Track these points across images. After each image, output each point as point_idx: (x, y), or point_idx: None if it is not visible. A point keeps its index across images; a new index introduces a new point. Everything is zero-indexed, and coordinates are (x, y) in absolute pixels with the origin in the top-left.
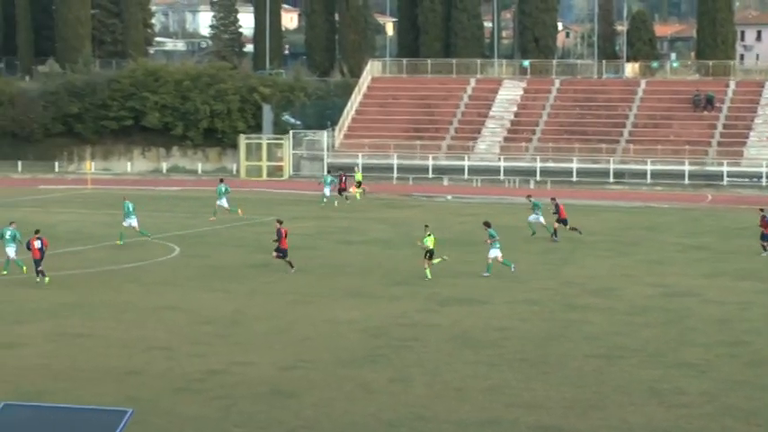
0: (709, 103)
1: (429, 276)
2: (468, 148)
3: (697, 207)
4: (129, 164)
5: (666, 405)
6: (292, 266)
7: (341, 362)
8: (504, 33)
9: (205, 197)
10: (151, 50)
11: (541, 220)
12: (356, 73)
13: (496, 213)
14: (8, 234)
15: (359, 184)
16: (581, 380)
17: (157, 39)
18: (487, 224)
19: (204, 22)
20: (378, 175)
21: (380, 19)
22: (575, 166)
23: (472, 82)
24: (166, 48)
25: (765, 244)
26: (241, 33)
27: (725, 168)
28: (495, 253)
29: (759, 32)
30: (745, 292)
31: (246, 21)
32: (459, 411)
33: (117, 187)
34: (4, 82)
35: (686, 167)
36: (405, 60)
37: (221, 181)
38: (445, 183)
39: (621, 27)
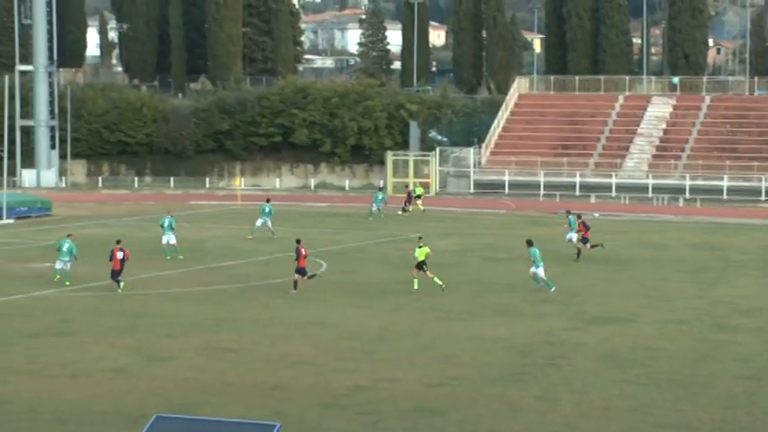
0: None
1: (416, 287)
2: (615, 166)
3: None
4: (277, 180)
5: None
6: (295, 287)
7: (487, 379)
8: (653, 50)
9: (353, 213)
10: (300, 68)
11: (574, 238)
12: (503, 90)
13: (645, 231)
14: (65, 246)
15: (418, 197)
16: (731, 401)
17: (307, 56)
18: (530, 243)
19: (353, 39)
20: (524, 192)
21: (528, 36)
22: (725, 183)
23: (620, 99)
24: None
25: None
26: (389, 50)
27: None
28: (538, 271)
29: None
30: None
31: (394, 38)
32: (605, 431)
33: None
34: (158, 99)
35: None
36: (552, 77)
37: (268, 201)
38: (592, 200)
39: None
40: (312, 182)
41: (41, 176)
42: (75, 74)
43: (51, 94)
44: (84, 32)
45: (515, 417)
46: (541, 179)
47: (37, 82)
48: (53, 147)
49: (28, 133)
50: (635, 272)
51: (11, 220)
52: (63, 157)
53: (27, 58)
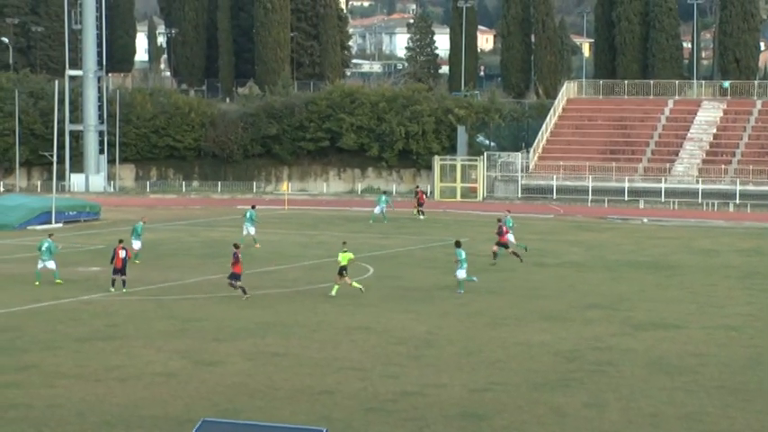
0: None
1: (333, 294)
2: (665, 171)
3: None
4: (324, 185)
5: None
6: (245, 293)
7: (533, 385)
8: (703, 54)
9: (401, 218)
10: (348, 72)
11: (512, 238)
12: (552, 94)
13: (694, 237)
14: (45, 246)
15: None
16: None
17: (354, 61)
18: (458, 244)
19: (401, 44)
20: (572, 197)
21: (577, 40)
22: None
23: (670, 103)
24: (363, 69)
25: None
26: (437, 55)
27: None
28: (461, 274)
29: None
30: None
31: (442, 42)
32: None
33: (313, 208)
34: (206, 104)
35: None
36: (601, 81)
37: (253, 207)
38: (641, 205)
39: None
40: (359, 186)
41: (90, 181)
42: (124, 79)
43: (100, 98)
44: (134, 38)
45: (561, 423)
46: (590, 184)
47: (86, 87)
48: (102, 151)
49: (77, 138)
50: (684, 277)
51: (60, 225)
52: (111, 161)
53: (77, 63)
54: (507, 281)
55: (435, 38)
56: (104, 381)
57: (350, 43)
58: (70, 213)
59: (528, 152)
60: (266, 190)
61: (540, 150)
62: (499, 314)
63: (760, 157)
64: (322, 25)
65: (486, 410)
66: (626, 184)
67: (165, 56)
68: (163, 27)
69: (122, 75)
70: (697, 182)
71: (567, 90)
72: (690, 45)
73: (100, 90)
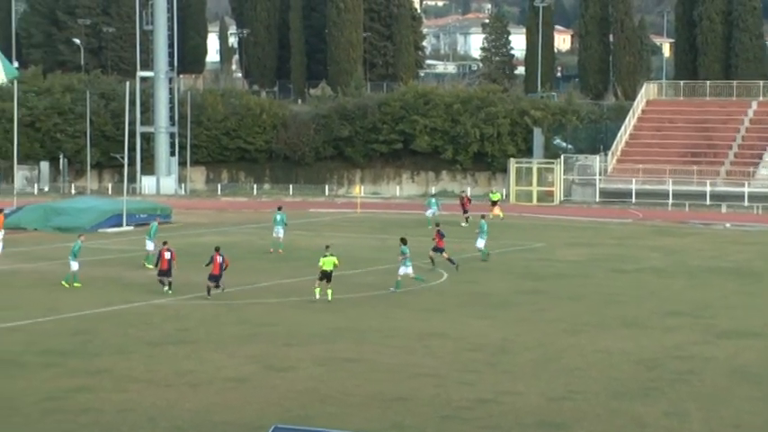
0: None
1: (317, 297)
2: (748, 174)
3: None
4: (397, 188)
5: None
6: (209, 293)
7: (612, 394)
8: None
9: (473, 222)
10: (422, 73)
11: (481, 245)
12: (630, 96)
13: None
14: (77, 247)
15: (494, 204)
16: None
17: (428, 61)
18: (404, 241)
19: (475, 44)
20: (652, 201)
21: (657, 40)
22: None
23: (754, 105)
24: (437, 70)
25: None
26: (512, 55)
27: None
28: (404, 270)
29: None
30: None
31: (518, 42)
32: None
33: (386, 211)
34: (277, 105)
35: None
36: (682, 83)
37: (279, 209)
38: (723, 210)
39: None
40: (433, 189)
41: (161, 183)
42: (195, 80)
43: (171, 100)
44: (205, 38)
45: None
46: (670, 188)
47: (157, 88)
48: (173, 153)
49: (148, 140)
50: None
51: (130, 227)
52: (182, 163)
53: (148, 64)
54: (585, 287)
55: (511, 38)
56: (176, 386)
57: (424, 44)
58: (141, 216)
59: (606, 155)
60: (338, 193)
61: (618, 153)
62: (578, 320)
63: None
64: (395, 25)
65: (564, 419)
66: (707, 188)
67: (236, 56)
68: (234, 27)
69: (193, 76)
70: None
71: (647, 91)
72: None
73: (171, 91)
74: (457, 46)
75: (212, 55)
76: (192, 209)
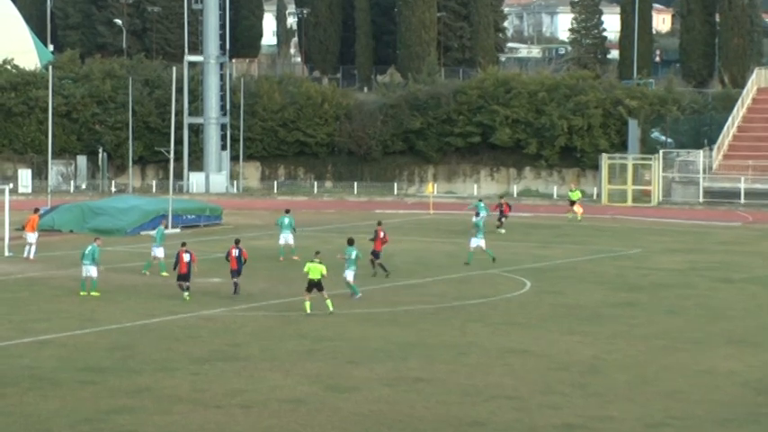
0: None
1: (308, 311)
2: None
3: None
4: (474, 186)
5: None
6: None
7: (717, 420)
8: None
9: (562, 225)
10: (502, 57)
11: (482, 243)
12: (739, 83)
13: None
14: (87, 250)
15: (572, 203)
16: None
17: (510, 44)
18: (350, 242)
19: (563, 25)
20: (763, 203)
21: None
22: None
23: None
24: (520, 54)
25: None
26: (605, 38)
27: None
28: (348, 274)
29: None
30: None
31: (611, 23)
32: None
33: (461, 212)
34: (341, 94)
35: None
36: None
37: (287, 211)
38: None
39: None
40: (514, 188)
41: (211, 180)
42: (249, 65)
43: (223, 87)
44: (260, 19)
45: None
46: None
47: (207, 74)
48: (224, 147)
49: (196, 132)
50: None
51: (177, 230)
52: (235, 158)
53: (197, 47)
54: (687, 299)
55: (603, 18)
56: (225, 407)
57: (505, 24)
58: (189, 217)
59: (711, 150)
60: (408, 192)
61: (725, 148)
62: (678, 337)
63: None
64: (473, 4)
65: None
66: None
67: (295, 39)
68: (293, 7)
69: (247, 61)
70: None
71: (758, 78)
72: None
73: (222, 78)
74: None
75: (268, 37)
76: (245, 209)
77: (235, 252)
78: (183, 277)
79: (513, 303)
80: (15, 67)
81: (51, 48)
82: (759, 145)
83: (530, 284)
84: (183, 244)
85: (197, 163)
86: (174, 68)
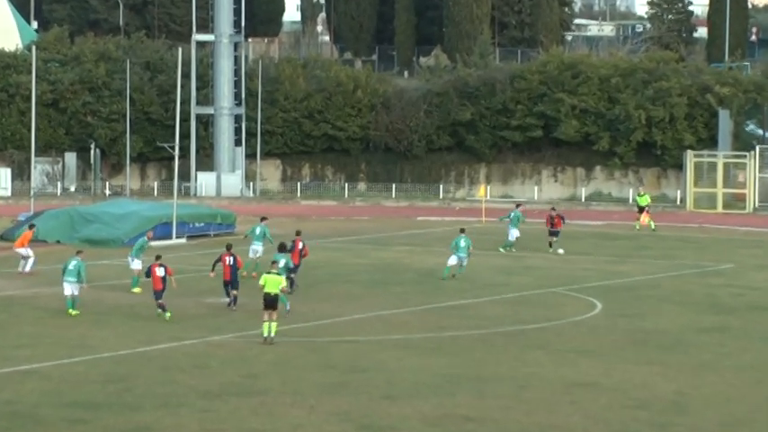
0: None
1: (265, 335)
2: None
3: None
4: (535, 189)
5: None
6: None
7: None
8: None
9: (642, 234)
10: (569, 36)
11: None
12: None
13: None
14: (72, 264)
15: (641, 210)
16: None
17: (577, 21)
18: (281, 248)
19: None
20: None
21: None
22: None
23: None
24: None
25: None
26: (691, 13)
27: None
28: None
29: None
30: None
31: None
32: None
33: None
34: (377, 79)
35: None
36: None
37: (263, 220)
38: None
39: None
40: (583, 192)
41: (223, 182)
42: (268, 45)
43: (237, 72)
44: None
45: None
46: None
47: (218, 56)
48: (239, 142)
49: (206, 124)
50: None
51: (182, 240)
52: (251, 156)
53: (206, 24)
54: None
55: None
56: None
57: None
58: (197, 225)
59: None
60: (456, 196)
61: None
62: None
63: None
64: None
65: None
66: None
67: (322, 14)
68: None
69: (266, 40)
70: None
71: None
72: None
73: (237, 61)
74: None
75: (291, 13)
76: (263, 215)
77: (229, 260)
78: (159, 294)
79: (581, 328)
80: None
81: (35, 25)
82: None
83: (601, 306)
84: (158, 257)
85: (206, 161)
86: (180, 49)
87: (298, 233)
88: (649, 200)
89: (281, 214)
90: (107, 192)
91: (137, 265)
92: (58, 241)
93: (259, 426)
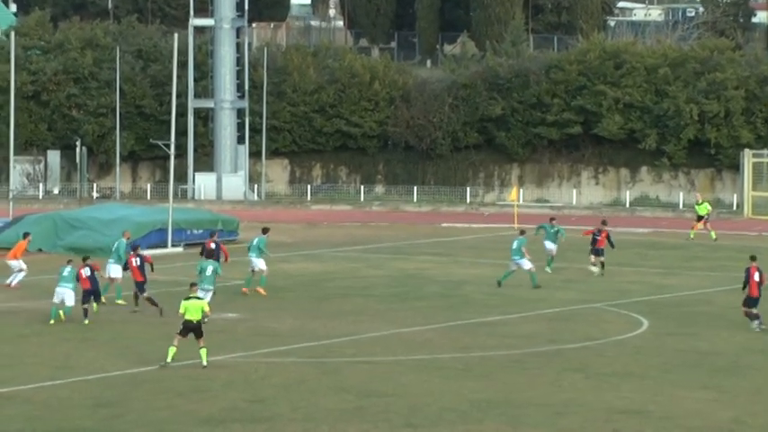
0: None
1: (168, 360)
2: None
3: None
4: (574, 192)
5: None
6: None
7: None
8: None
9: (689, 245)
10: (611, 22)
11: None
12: None
13: None
14: (66, 272)
15: (699, 219)
16: None
17: (621, 4)
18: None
19: None
20: None
21: None
22: None
23: None
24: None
25: None
26: None
27: None
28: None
29: None
30: None
31: None
32: None
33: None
34: (396, 70)
35: None
36: None
37: (264, 231)
38: None
39: None
40: (627, 195)
41: (224, 184)
42: (274, 31)
43: (240, 61)
44: None
45: None
46: None
47: (219, 43)
48: (241, 140)
49: (205, 119)
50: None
51: (179, 248)
52: (256, 155)
53: (206, 7)
54: None
55: None
56: None
57: None
58: (194, 232)
59: None
60: (485, 200)
61: None
62: None
63: None
64: None
65: None
66: None
67: None
68: None
69: (272, 25)
70: None
71: None
72: None
73: (239, 48)
74: None
75: None
76: (269, 221)
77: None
78: (87, 295)
79: (625, 348)
80: None
81: (14, 8)
82: None
83: (647, 323)
84: (85, 258)
85: (206, 161)
86: (176, 36)
87: (212, 234)
88: (710, 208)
89: (289, 220)
90: (94, 195)
91: (117, 272)
92: (40, 249)
93: None
